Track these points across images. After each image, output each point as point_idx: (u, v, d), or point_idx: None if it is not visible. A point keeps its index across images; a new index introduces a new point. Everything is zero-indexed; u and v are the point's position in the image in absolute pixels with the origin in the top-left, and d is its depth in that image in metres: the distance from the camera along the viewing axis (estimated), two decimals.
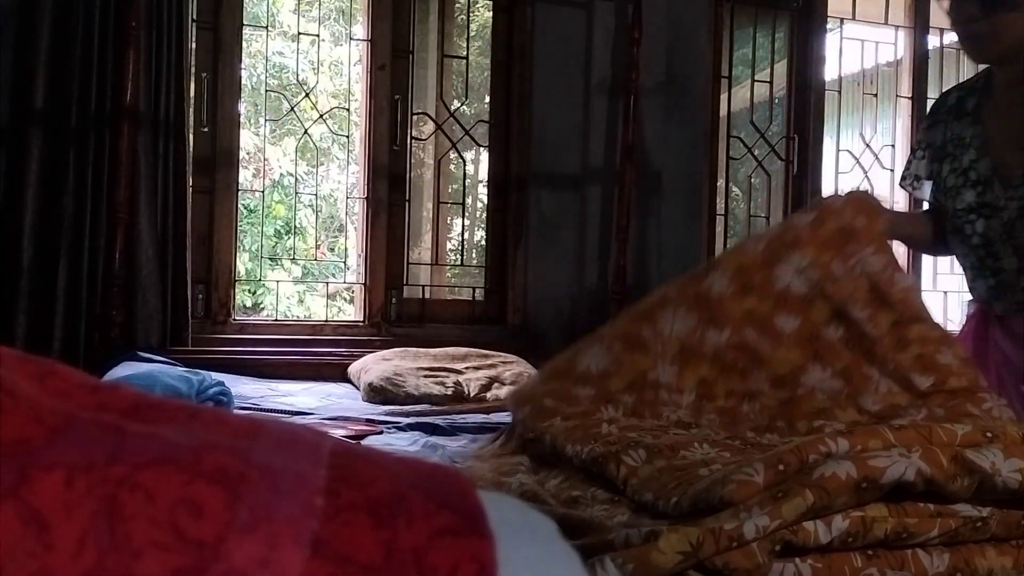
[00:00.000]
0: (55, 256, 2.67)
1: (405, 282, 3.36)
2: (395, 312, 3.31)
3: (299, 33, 3.66)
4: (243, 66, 3.28)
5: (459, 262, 3.66)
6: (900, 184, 1.90)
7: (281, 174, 5.67)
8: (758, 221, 3.83)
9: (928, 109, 1.91)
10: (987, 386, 1.33)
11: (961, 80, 1.97)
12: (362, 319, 3.30)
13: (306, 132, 3.51)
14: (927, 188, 1.84)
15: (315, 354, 3.00)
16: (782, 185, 3.81)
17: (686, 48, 3.56)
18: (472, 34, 3.69)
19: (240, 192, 3.21)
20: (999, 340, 1.75)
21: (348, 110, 3.48)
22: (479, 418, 2.31)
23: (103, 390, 0.37)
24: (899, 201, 3.97)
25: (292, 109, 3.54)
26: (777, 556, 0.83)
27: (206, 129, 3.06)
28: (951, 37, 4.20)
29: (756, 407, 1.32)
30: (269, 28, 3.57)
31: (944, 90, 1.92)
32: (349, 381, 2.81)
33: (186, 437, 0.34)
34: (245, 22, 3.22)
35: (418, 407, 2.44)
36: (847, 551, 0.86)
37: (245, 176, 4.72)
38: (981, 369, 1.45)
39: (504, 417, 2.36)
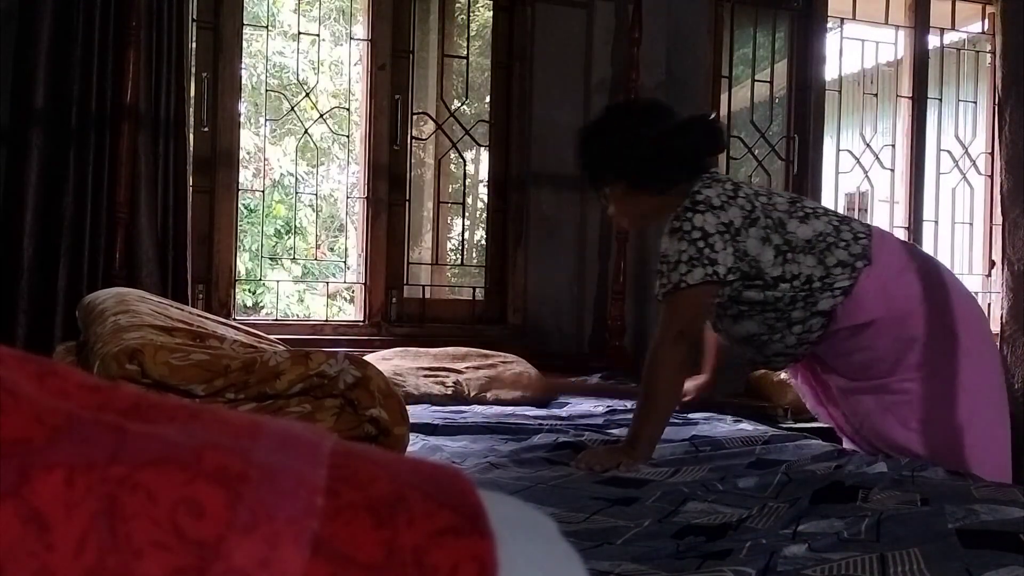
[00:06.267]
0: (55, 256, 2.67)
1: (405, 282, 3.36)
2: (395, 312, 3.31)
3: (299, 33, 3.66)
4: (243, 66, 3.28)
5: (459, 262, 3.66)
6: None
7: (281, 174, 5.68)
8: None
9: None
10: None
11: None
12: (362, 319, 3.30)
13: (306, 132, 3.51)
14: None
15: None
16: (782, 185, 3.81)
17: (686, 48, 3.56)
18: (472, 34, 3.69)
19: (240, 192, 3.21)
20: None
21: (348, 110, 3.48)
22: (479, 418, 2.32)
23: (103, 390, 0.37)
24: (899, 200, 3.98)
25: (292, 109, 3.54)
26: None
27: (206, 129, 3.06)
28: (951, 37, 4.20)
29: None
30: (269, 28, 3.57)
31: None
32: None
33: (186, 437, 0.34)
34: (245, 22, 3.22)
35: (418, 407, 2.44)
36: None
37: (245, 176, 4.73)
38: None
39: (505, 416, 2.37)
